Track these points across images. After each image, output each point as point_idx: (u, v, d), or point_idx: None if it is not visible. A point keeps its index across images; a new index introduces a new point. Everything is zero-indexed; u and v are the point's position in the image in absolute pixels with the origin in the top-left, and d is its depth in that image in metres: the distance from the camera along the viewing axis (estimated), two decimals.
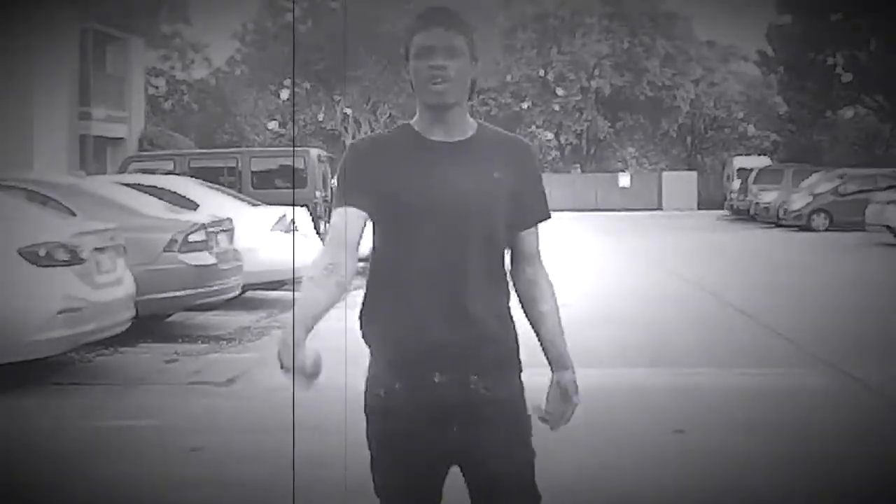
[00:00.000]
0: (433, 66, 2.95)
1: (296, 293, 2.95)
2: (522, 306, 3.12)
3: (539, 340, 3.12)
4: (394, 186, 2.96)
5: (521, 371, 3.08)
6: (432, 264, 2.96)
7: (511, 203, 3.03)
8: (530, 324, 3.11)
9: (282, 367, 2.82)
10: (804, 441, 6.80)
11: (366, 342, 3.05)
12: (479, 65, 3.07)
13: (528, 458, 3.06)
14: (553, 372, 3.12)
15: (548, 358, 3.12)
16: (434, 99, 2.98)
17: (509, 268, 3.11)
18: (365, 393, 3.05)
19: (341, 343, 3.12)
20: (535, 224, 3.12)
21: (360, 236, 2.99)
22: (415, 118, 3.10)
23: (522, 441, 3.06)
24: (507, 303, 3.08)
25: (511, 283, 3.10)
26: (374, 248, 3.04)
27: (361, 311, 3.05)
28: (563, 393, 3.10)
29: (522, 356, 3.09)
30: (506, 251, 3.09)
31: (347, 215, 2.97)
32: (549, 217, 3.15)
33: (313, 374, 2.83)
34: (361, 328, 3.05)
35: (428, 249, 2.96)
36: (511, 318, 3.07)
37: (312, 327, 2.88)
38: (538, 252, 3.14)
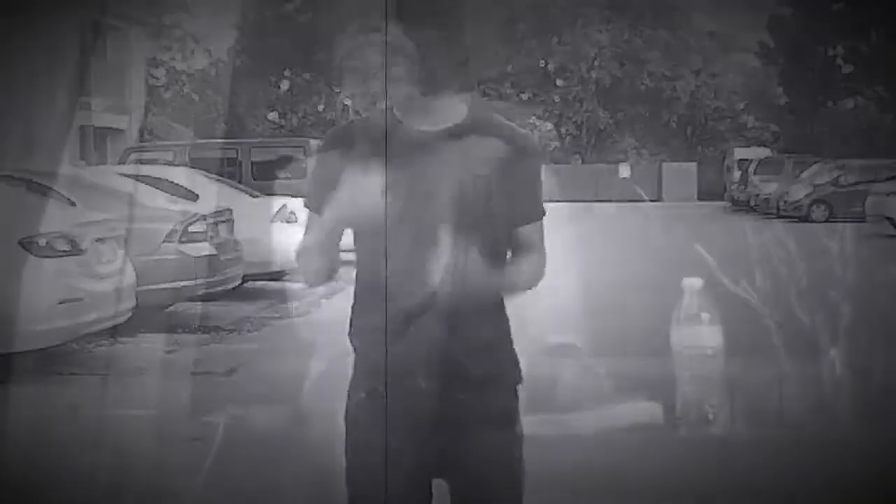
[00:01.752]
0: None
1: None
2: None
3: None
4: (364, 188, 2.60)
5: (517, 383, 2.82)
6: (414, 269, 2.64)
7: (502, 201, 2.69)
8: None
9: None
10: (803, 429, 6.82)
11: (351, 343, 2.81)
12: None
13: (518, 475, 2.82)
14: None
15: None
16: None
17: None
18: (347, 399, 2.81)
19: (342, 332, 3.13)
20: (527, 224, 2.78)
21: (340, 238, 2.74)
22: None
23: (512, 455, 2.81)
24: (503, 307, 2.80)
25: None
26: (355, 246, 2.78)
27: (352, 309, 2.82)
28: None
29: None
30: (505, 254, 2.78)
31: (323, 223, 2.70)
32: (540, 217, 2.81)
33: None
34: (350, 328, 2.82)
35: (408, 254, 2.65)
36: (507, 326, 2.81)
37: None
38: (536, 244, 2.80)
